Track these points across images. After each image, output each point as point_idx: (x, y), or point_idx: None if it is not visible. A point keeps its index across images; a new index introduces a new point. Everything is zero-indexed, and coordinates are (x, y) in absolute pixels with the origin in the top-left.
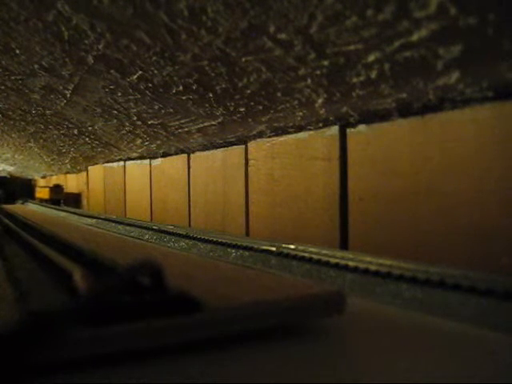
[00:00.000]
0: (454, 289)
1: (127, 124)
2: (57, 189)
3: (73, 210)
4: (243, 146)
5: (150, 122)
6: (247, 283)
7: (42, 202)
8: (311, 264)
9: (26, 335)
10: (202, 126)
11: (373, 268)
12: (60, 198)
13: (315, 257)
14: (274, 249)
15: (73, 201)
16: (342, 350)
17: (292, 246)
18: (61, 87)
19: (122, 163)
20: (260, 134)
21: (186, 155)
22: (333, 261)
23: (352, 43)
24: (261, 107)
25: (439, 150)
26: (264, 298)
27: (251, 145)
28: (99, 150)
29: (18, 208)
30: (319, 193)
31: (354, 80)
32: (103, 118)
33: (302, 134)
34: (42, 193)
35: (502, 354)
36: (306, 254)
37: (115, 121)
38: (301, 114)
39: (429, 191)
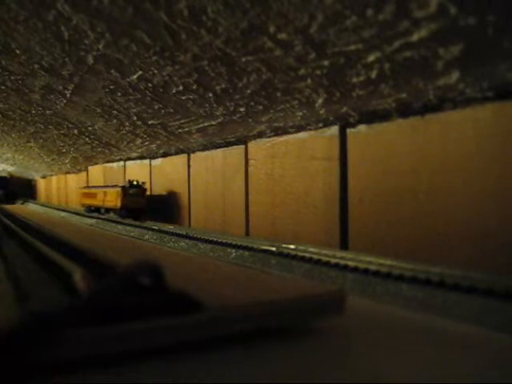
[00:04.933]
0: (454, 289)
1: (127, 124)
2: (134, 191)
3: (73, 210)
4: (243, 146)
5: (150, 122)
6: (247, 283)
7: (91, 211)
8: (311, 264)
9: (26, 335)
10: (201, 125)
11: (373, 268)
12: (140, 206)
13: (315, 257)
14: (274, 249)
15: (165, 210)
16: (342, 349)
17: (292, 246)
18: (61, 87)
19: (121, 163)
20: (260, 134)
21: (185, 155)
22: (333, 261)
23: (352, 43)
24: (261, 107)
25: (439, 149)
26: (264, 298)
27: (251, 145)
28: (99, 149)
29: (18, 208)
30: (319, 192)
31: (354, 80)
32: (103, 118)
33: (302, 134)
34: (99, 197)
35: (503, 354)
36: (306, 254)
37: (115, 121)
38: (301, 114)
39: (429, 190)
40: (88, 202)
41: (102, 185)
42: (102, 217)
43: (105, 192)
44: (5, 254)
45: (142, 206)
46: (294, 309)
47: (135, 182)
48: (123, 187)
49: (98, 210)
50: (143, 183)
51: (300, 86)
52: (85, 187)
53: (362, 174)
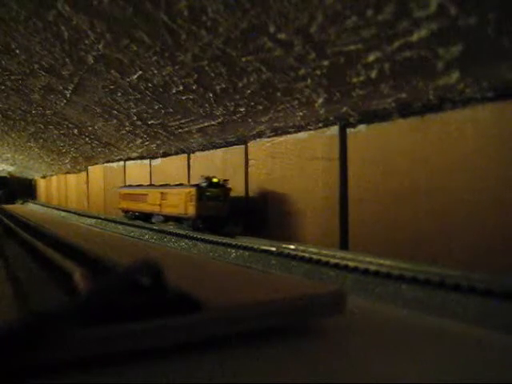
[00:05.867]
0: (454, 289)
1: (127, 124)
2: (214, 192)
3: (73, 210)
4: (243, 146)
5: (149, 122)
6: (247, 283)
7: (136, 217)
8: (311, 264)
9: (26, 335)
10: (202, 125)
11: (373, 268)
12: (222, 213)
13: (315, 257)
14: (273, 249)
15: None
16: (342, 349)
17: (292, 246)
18: (61, 87)
19: (121, 163)
20: (260, 134)
21: (185, 155)
22: (333, 261)
23: (352, 43)
24: (261, 107)
25: (439, 149)
26: (264, 298)
27: (251, 145)
28: (99, 149)
29: (18, 208)
30: (319, 192)
31: (354, 80)
32: (103, 118)
33: (302, 134)
34: (153, 201)
35: (502, 354)
36: (306, 254)
37: (115, 121)
38: (301, 114)
39: (428, 190)
40: (133, 206)
41: (155, 184)
42: (102, 217)
43: (163, 193)
44: (5, 253)
45: (225, 213)
46: (294, 309)
47: (215, 180)
48: (198, 187)
49: (146, 217)
50: (225, 181)
51: (300, 86)
52: (127, 186)
53: (362, 174)
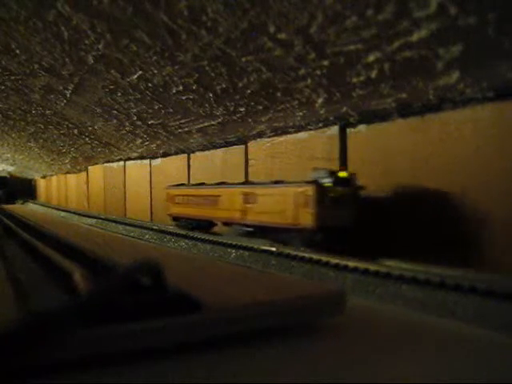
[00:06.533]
0: (454, 289)
1: (127, 124)
2: (342, 192)
3: (73, 210)
4: (243, 146)
5: (150, 122)
6: (247, 283)
7: (193, 227)
8: (311, 264)
9: (26, 335)
10: (201, 125)
11: (372, 268)
12: (348, 222)
13: (315, 257)
14: (273, 249)
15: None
16: (342, 349)
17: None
18: (61, 87)
19: (121, 163)
20: (260, 134)
21: (185, 155)
22: (333, 261)
23: (352, 43)
24: (261, 107)
25: (439, 149)
26: (264, 299)
27: (251, 145)
28: (99, 149)
29: (18, 208)
30: None
31: (354, 80)
32: (103, 118)
33: (302, 134)
34: (230, 205)
35: (502, 354)
36: (306, 254)
37: (115, 121)
38: (301, 114)
39: (428, 190)
40: (191, 212)
41: (227, 181)
42: (102, 217)
43: (249, 194)
44: (5, 254)
45: (352, 221)
46: (294, 309)
47: (343, 174)
48: (317, 184)
49: (207, 225)
50: (353, 175)
51: (300, 85)
52: (179, 185)
53: (362, 174)
